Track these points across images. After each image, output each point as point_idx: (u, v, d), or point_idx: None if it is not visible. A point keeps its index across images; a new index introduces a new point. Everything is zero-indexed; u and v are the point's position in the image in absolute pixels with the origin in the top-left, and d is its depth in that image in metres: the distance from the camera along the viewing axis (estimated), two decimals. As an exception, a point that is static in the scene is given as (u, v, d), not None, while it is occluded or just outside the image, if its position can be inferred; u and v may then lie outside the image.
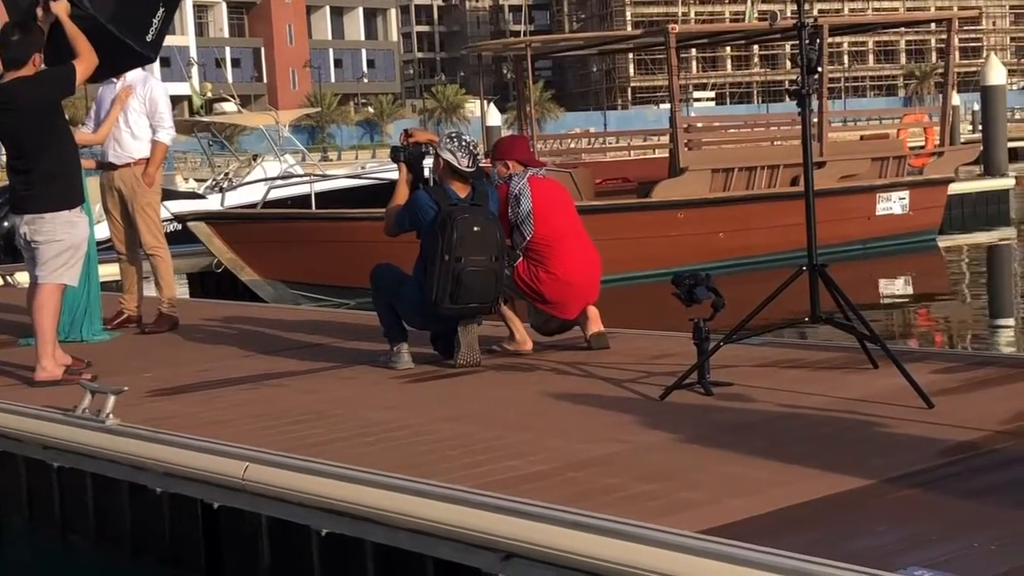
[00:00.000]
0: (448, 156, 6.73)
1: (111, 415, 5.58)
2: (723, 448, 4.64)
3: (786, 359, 6.44)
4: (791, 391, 5.61)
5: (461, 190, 6.73)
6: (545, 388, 6.06)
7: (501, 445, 4.91)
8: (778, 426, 5.02)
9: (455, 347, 6.74)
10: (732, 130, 23.48)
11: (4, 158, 7.29)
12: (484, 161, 7.86)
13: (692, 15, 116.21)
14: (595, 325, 7.12)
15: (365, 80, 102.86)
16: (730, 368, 5.98)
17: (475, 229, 6.54)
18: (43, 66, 7.07)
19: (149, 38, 7.55)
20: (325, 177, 23.59)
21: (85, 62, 6.98)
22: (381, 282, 6.93)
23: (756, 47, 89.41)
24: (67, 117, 8.07)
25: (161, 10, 7.57)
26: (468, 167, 6.73)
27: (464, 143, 6.78)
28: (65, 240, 6.97)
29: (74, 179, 7.13)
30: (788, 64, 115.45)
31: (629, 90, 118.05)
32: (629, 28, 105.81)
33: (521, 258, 6.98)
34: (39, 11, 7.12)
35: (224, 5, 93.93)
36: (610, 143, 28.73)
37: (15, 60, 6.97)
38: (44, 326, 6.91)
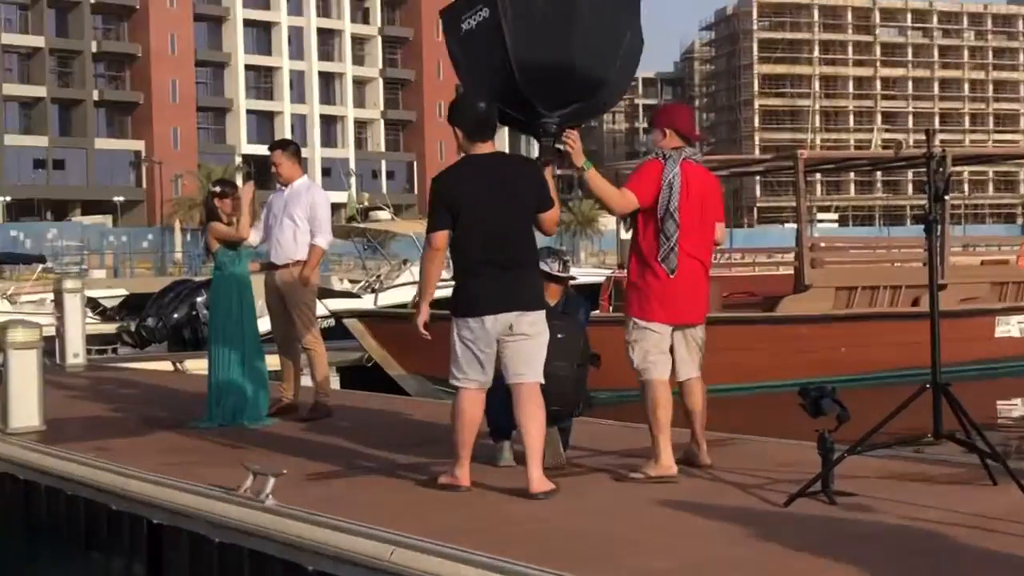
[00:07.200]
0: (541, 265, 6.63)
1: (270, 496, 5.69)
2: (844, 557, 4.55)
3: (908, 472, 6.29)
4: (912, 503, 5.48)
5: (553, 296, 6.64)
6: (673, 491, 6.01)
7: (635, 541, 4.89)
8: (898, 538, 4.91)
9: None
10: (855, 250, 23.16)
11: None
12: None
13: (818, 141, 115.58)
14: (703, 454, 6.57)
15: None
16: (853, 479, 5.86)
17: (559, 336, 6.26)
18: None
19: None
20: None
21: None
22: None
23: (879, 172, 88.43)
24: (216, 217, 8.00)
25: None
26: (559, 271, 6.72)
27: (552, 251, 6.76)
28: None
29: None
30: (910, 189, 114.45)
31: (755, 209, 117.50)
32: (757, 152, 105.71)
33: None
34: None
35: (382, 122, 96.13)
36: (735, 259, 28.57)
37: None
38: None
